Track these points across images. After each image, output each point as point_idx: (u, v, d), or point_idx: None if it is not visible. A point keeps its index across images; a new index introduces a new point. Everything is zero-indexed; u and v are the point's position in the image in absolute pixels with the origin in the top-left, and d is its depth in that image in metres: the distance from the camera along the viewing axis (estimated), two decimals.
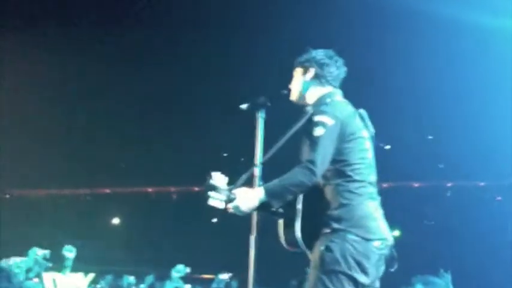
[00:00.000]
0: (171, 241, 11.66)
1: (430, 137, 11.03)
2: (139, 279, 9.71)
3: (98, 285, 9.09)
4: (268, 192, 3.43)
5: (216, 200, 3.44)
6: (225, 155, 11.43)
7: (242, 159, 10.02)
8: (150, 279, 9.67)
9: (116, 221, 14.60)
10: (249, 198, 3.46)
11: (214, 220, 11.91)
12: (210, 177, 3.46)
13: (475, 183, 11.62)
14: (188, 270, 9.06)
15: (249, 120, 3.71)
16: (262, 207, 3.48)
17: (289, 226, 3.58)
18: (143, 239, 12.54)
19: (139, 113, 11.21)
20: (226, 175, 3.48)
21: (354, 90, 3.84)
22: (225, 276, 9.29)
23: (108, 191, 13.78)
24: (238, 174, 3.58)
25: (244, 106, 3.73)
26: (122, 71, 10.39)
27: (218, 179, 3.47)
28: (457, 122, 9.84)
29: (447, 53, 9.20)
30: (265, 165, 3.60)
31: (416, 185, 11.97)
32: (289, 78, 3.83)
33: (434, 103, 9.65)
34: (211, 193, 3.43)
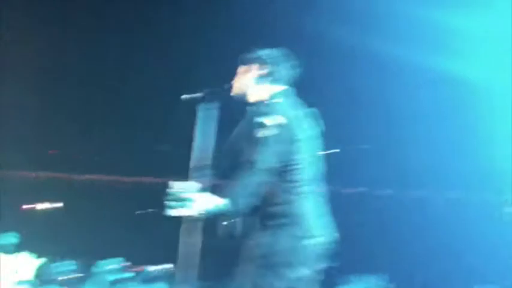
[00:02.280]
0: (108, 231, 11.53)
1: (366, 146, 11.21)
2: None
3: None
4: (228, 200, 3.43)
5: (174, 209, 3.44)
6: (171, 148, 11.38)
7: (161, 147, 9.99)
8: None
9: (56, 207, 14.30)
10: (208, 207, 3.45)
11: (138, 212, 11.94)
12: (172, 186, 3.45)
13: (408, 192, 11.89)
14: (122, 263, 8.97)
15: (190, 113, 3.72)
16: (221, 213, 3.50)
17: (227, 220, 3.62)
18: (80, 227, 12.36)
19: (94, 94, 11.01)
20: (162, 168, 3.49)
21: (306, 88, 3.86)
22: (153, 268, 9.23)
23: (50, 175, 13.53)
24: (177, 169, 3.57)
25: (184, 97, 3.74)
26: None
27: (179, 187, 3.47)
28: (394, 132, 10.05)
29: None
30: (205, 166, 3.61)
31: (354, 190, 12.16)
32: (232, 74, 3.84)
33: (378, 110, 9.86)
34: (169, 202, 3.43)
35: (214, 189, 3.55)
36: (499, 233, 9.51)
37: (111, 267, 8.70)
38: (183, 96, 3.74)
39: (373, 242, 10.55)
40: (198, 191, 3.47)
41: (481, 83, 9.00)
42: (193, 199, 3.44)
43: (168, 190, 3.43)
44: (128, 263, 9.24)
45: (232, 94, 3.83)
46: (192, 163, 3.65)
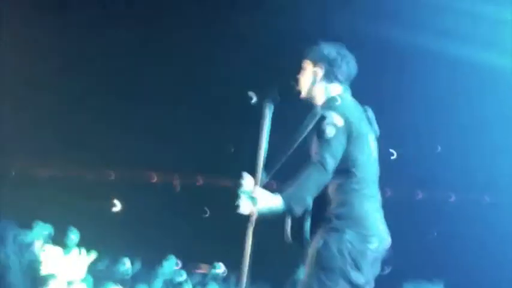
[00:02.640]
0: (167, 231, 11.66)
1: (439, 149, 11.02)
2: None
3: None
4: (290, 199, 3.43)
5: (245, 205, 3.47)
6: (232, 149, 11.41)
7: (233, 150, 9.99)
8: (138, 265, 9.64)
9: (116, 206, 14.59)
10: (269, 205, 3.45)
11: (207, 215, 11.97)
12: (240, 182, 3.50)
13: (478, 197, 11.61)
14: (179, 263, 9.04)
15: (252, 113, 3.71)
16: (284, 212, 3.49)
17: (295, 222, 3.61)
18: (141, 227, 12.55)
19: (143, 100, 11.13)
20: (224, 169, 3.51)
21: (365, 88, 3.84)
22: (221, 269, 9.29)
23: (112, 174, 13.78)
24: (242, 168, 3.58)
25: (254, 100, 3.74)
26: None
27: (248, 181, 3.52)
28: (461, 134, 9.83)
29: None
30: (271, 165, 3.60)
31: (419, 194, 11.97)
32: (297, 70, 3.81)
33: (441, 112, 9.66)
34: (242, 198, 3.47)
35: (277, 189, 3.54)
36: None
37: (166, 268, 8.77)
38: (250, 93, 3.72)
39: (428, 247, 10.36)
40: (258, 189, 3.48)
41: None
42: (257, 197, 3.45)
43: (238, 187, 3.45)
44: (182, 264, 9.34)
45: (298, 91, 3.84)
46: (259, 162, 3.63)
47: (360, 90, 3.82)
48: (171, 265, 8.91)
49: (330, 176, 3.47)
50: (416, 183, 11.10)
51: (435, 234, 11.91)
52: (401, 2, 8.50)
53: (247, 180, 3.49)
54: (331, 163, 3.46)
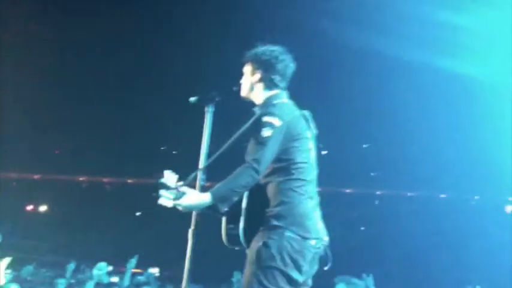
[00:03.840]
0: (99, 233, 11.42)
1: (365, 146, 11.31)
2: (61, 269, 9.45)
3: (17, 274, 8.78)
4: (215, 197, 3.48)
5: (164, 199, 3.46)
6: (162, 148, 11.36)
7: (174, 152, 9.91)
8: (71, 267, 9.40)
9: (42, 208, 14.19)
10: (195, 200, 3.49)
11: (138, 214, 11.79)
12: (162, 175, 3.48)
13: (403, 193, 12.01)
14: (110, 268, 8.89)
15: (197, 114, 3.72)
16: (209, 209, 3.53)
17: (231, 224, 3.63)
18: (68, 229, 12.25)
19: (83, 100, 10.92)
20: (168, 169, 3.49)
21: (298, 89, 3.91)
22: (154, 270, 9.18)
23: (37, 177, 13.39)
24: (182, 167, 3.58)
25: (193, 99, 3.74)
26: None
27: (169, 177, 3.49)
28: (393, 134, 10.13)
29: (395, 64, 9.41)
30: (210, 166, 3.62)
31: (347, 190, 12.26)
32: (240, 74, 3.86)
33: (375, 111, 9.92)
34: (161, 192, 3.46)
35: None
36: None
37: (101, 272, 8.59)
38: (191, 99, 3.72)
39: (363, 243, 10.65)
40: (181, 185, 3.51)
41: (487, 81, 9.05)
42: (184, 192, 3.48)
43: (161, 180, 3.46)
44: (112, 267, 9.17)
45: (241, 95, 3.87)
46: (199, 163, 3.64)
47: (297, 89, 3.86)
48: (102, 268, 8.72)
49: (259, 174, 3.52)
50: (344, 179, 11.34)
51: (362, 229, 12.26)
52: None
53: (169, 176, 3.49)
54: (263, 164, 3.50)
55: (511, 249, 9.39)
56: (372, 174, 11.64)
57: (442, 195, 11.78)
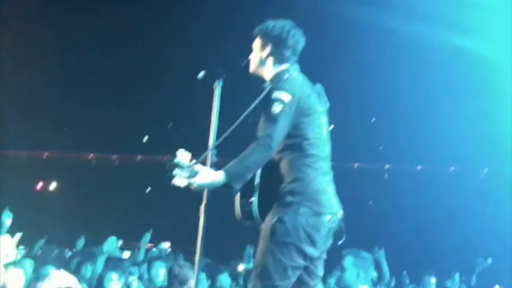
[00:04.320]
0: (111, 209, 11.48)
1: (373, 120, 11.27)
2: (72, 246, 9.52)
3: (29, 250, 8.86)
4: (229, 175, 3.44)
5: (179, 178, 3.40)
6: (170, 125, 11.35)
7: (184, 129, 9.84)
8: (81, 242, 9.47)
9: (52, 186, 14.26)
10: (209, 179, 3.45)
11: (148, 190, 11.80)
12: (175, 155, 3.42)
13: (411, 167, 12.01)
14: (120, 242, 8.94)
15: (205, 91, 3.70)
16: (224, 186, 3.49)
17: (245, 199, 3.63)
18: (79, 206, 12.33)
19: (86, 76, 10.93)
20: (178, 145, 3.47)
21: (309, 63, 3.87)
22: (166, 244, 9.25)
23: (46, 154, 13.42)
24: (190, 144, 3.56)
25: (201, 75, 3.70)
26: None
27: (182, 156, 3.44)
28: (400, 109, 10.11)
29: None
30: (222, 143, 3.58)
31: (355, 165, 12.26)
32: (249, 49, 3.82)
33: (381, 88, 9.87)
34: (175, 171, 3.40)
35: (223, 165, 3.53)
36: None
37: (109, 246, 8.63)
38: (199, 75, 3.69)
39: (373, 217, 10.68)
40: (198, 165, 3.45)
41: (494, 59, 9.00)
42: (198, 170, 3.43)
43: (174, 160, 3.40)
44: (122, 241, 9.23)
45: (250, 71, 3.83)
46: (210, 139, 3.62)
47: (308, 64, 3.83)
48: (112, 243, 8.78)
49: (272, 150, 3.48)
50: (351, 154, 11.32)
51: (371, 202, 12.28)
52: None
53: (182, 156, 3.44)
54: (276, 140, 3.47)
55: None
56: (380, 148, 11.63)
57: (451, 168, 11.76)
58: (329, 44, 9.08)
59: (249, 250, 8.25)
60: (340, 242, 3.72)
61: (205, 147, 3.59)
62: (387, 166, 12.36)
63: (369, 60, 9.64)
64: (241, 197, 3.65)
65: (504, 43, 8.90)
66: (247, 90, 3.64)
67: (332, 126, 3.75)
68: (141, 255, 8.44)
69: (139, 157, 12.51)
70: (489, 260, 8.81)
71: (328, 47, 9.01)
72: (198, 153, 3.51)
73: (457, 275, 8.59)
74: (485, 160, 11.06)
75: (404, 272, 8.59)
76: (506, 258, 8.80)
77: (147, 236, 8.50)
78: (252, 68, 3.81)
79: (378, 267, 7.39)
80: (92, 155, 13.14)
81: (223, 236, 7.59)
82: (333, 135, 3.80)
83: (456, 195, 10.84)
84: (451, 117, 10.06)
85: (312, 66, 3.91)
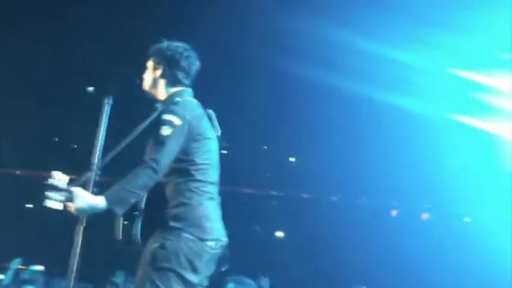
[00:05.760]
0: None
1: (264, 147, 11.43)
2: None
3: None
4: (111, 201, 3.30)
5: (53, 201, 3.24)
6: (56, 139, 10.90)
7: (75, 146, 9.50)
8: None
9: None
10: (88, 203, 3.30)
11: (26, 206, 11.30)
12: (51, 176, 3.25)
13: (300, 195, 12.25)
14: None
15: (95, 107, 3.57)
16: (106, 211, 3.35)
17: (128, 222, 3.50)
18: None
19: None
20: (60, 162, 3.30)
21: (203, 88, 3.84)
22: (39, 267, 8.79)
23: None
24: (75, 163, 3.40)
25: (90, 89, 3.59)
26: None
27: (59, 177, 3.27)
28: (292, 137, 10.33)
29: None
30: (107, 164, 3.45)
31: (247, 190, 12.34)
32: (143, 67, 3.74)
33: (274, 115, 10.05)
34: (49, 193, 3.23)
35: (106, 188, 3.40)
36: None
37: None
38: (89, 88, 3.56)
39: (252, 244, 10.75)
40: (73, 185, 3.32)
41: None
42: (75, 193, 3.28)
43: (49, 180, 3.24)
44: None
45: (143, 88, 3.75)
46: (94, 158, 3.48)
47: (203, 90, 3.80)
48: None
49: (158, 175, 3.39)
50: (241, 179, 11.40)
51: (258, 229, 12.38)
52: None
53: (59, 177, 3.27)
54: (162, 164, 3.38)
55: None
56: (268, 175, 11.80)
57: (333, 198, 12.13)
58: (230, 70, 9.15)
59: (120, 275, 8.07)
60: (223, 269, 3.67)
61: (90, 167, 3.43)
62: (275, 193, 12.55)
63: (270, 91, 9.79)
64: (124, 219, 3.53)
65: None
66: (143, 108, 3.55)
67: (224, 151, 3.73)
68: (7, 279, 7.98)
69: (18, 172, 11.93)
70: None
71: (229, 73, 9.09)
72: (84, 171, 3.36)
73: None
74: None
75: None
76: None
77: (16, 262, 8.06)
78: (146, 87, 3.75)
79: None
80: None
81: (100, 259, 7.30)
82: (225, 160, 3.77)
83: (340, 221, 11.10)
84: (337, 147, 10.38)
85: (207, 91, 3.89)
